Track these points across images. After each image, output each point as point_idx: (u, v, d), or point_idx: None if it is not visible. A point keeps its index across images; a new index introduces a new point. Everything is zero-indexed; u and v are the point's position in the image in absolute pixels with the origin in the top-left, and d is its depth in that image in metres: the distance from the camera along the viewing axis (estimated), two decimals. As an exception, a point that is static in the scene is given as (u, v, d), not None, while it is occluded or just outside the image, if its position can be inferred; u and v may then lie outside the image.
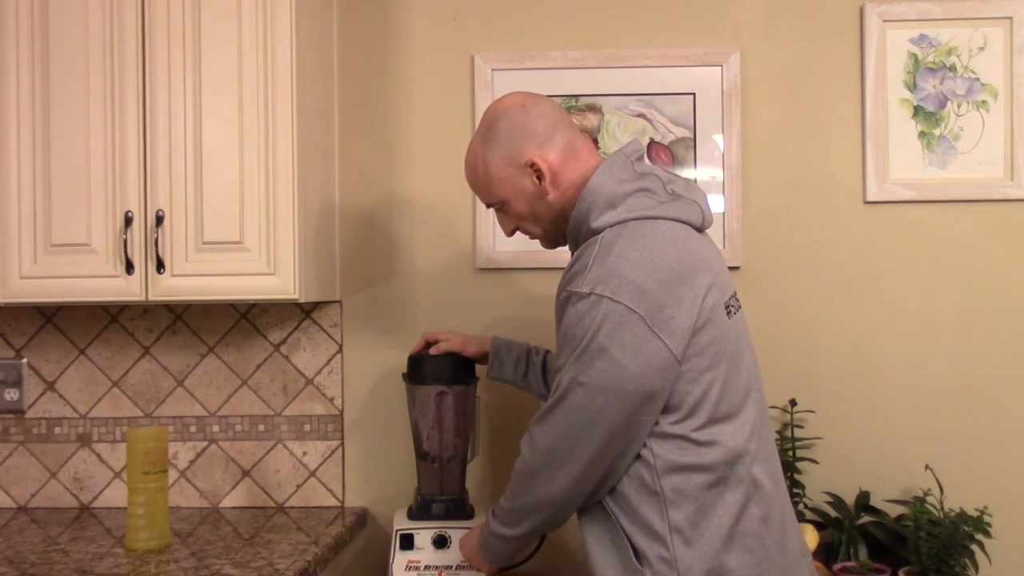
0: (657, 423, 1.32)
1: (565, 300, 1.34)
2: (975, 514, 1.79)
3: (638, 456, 1.33)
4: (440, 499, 1.82)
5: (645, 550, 1.31)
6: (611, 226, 1.35)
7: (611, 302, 1.28)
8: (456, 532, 1.75)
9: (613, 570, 1.34)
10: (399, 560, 1.74)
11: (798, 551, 1.40)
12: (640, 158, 1.46)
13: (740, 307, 1.44)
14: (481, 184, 1.51)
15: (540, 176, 1.43)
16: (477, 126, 1.52)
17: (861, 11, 2.02)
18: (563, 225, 1.46)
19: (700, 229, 1.42)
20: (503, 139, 1.45)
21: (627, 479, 1.33)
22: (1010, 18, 2.00)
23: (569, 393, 1.31)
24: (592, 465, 1.32)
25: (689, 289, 1.30)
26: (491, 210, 2.01)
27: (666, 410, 1.31)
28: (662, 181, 1.42)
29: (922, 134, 2.01)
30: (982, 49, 2.01)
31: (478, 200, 2.03)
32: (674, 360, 1.29)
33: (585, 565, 1.40)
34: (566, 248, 1.51)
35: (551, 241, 1.53)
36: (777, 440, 1.95)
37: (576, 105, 2.04)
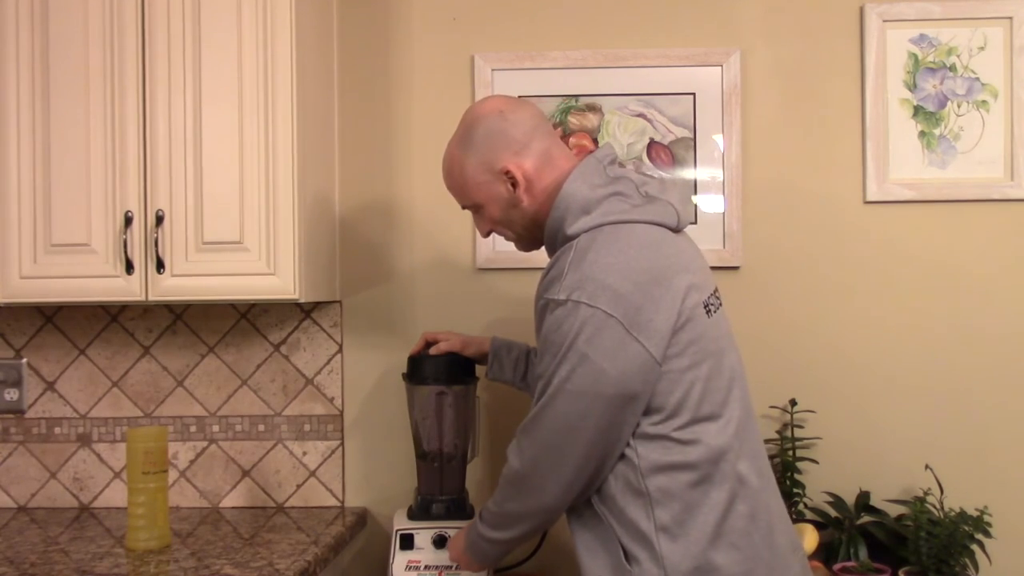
0: (639, 425, 1.32)
1: (543, 307, 1.35)
2: (975, 514, 1.78)
3: (623, 457, 1.33)
4: (440, 499, 1.82)
5: (633, 550, 1.31)
6: (586, 231, 1.35)
7: (588, 308, 1.28)
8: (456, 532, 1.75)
9: (602, 571, 1.34)
10: (399, 560, 1.74)
11: (788, 547, 1.40)
12: (612, 162, 1.46)
13: (721, 304, 1.44)
14: (457, 187, 1.52)
15: (515, 184, 1.45)
16: (456, 128, 1.52)
17: (861, 11, 2.02)
18: (536, 231, 1.48)
19: (676, 230, 1.43)
20: (480, 145, 1.46)
21: (613, 480, 1.34)
22: (1010, 18, 2.00)
23: (552, 400, 1.32)
24: (580, 470, 1.33)
25: (667, 291, 1.31)
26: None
27: (648, 412, 1.32)
28: (635, 184, 1.43)
29: (922, 134, 2.01)
30: (982, 49, 2.01)
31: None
32: (654, 362, 1.29)
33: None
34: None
35: (525, 244, 1.55)
36: (777, 440, 1.95)
37: (576, 105, 2.04)
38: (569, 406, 1.30)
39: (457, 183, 1.52)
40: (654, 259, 1.32)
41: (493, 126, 1.46)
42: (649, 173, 1.49)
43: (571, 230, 1.37)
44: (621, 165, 1.54)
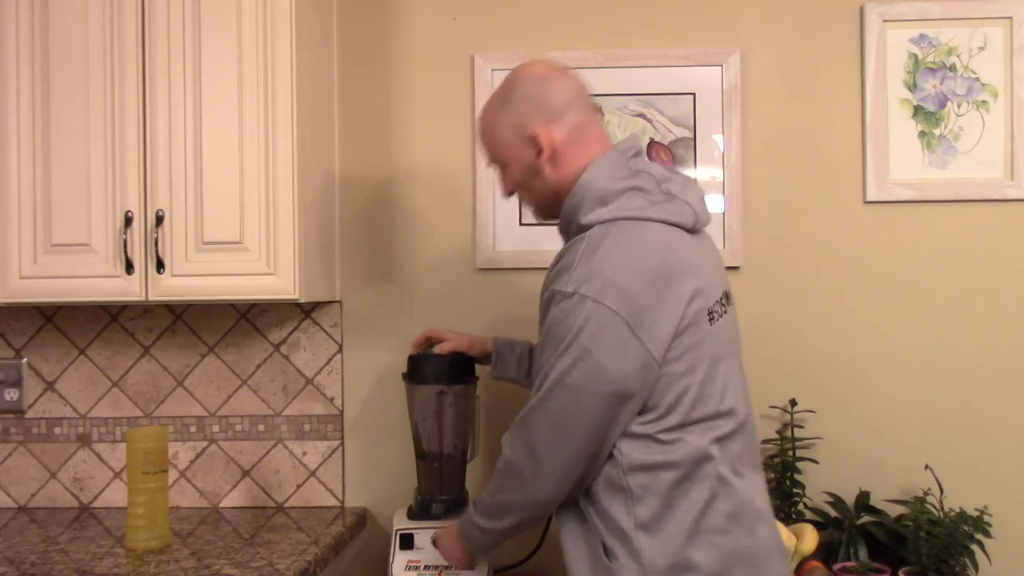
0: (628, 431, 1.32)
1: (549, 298, 1.35)
2: (975, 514, 1.79)
3: (609, 456, 1.34)
4: (440, 499, 1.82)
5: (612, 545, 1.32)
6: (600, 223, 1.35)
7: (594, 303, 1.28)
8: (456, 532, 1.76)
9: (584, 565, 1.35)
10: (399, 560, 1.74)
11: (774, 550, 1.39)
12: (636, 154, 1.46)
13: (727, 311, 1.43)
14: (487, 141, 1.53)
15: (540, 151, 1.44)
16: (501, 84, 1.52)
17: (861, 11, 2.02)
18: (556, 204, 1.46)
19: (693, 230, 1.42)
20: (515, 105, 1.46)
21: (598, 478, 1.35)
22: (1010, 18, 2.00)
23: (550, 394, 1.32)
24: (573, 466, 1.33)
25: (673, 294, 1.31)
26: (492, 209, 2.04)
27: (640, 411, 1.32)
28: (656, 180, 1.42)
29: (922, 134, 2.01)
30: (982, 49, 2.01)
31: (479, 200, 2.05)
32: (654, 363, 1.29)
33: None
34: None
35: (543, 214, 1.54)
36: (777, 440, 1.95)
37: (576, 105, 2.04)
38: (567, 400, 1.31)
39: (487, 138, 1.52)
40: (664, 261, 1.32)
41: (531, 90, 1.45)
42: (674, 169, 1.48)
43: (585, 220, 1.37)
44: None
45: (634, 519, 1.31)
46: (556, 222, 1.51)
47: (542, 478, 1.35)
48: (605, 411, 1.30)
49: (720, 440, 1.34)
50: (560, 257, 1.38)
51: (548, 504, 1.39)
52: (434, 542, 1.67)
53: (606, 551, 1.33)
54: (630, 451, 1.32)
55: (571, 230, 1.41)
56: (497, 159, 1.51)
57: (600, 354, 1.28)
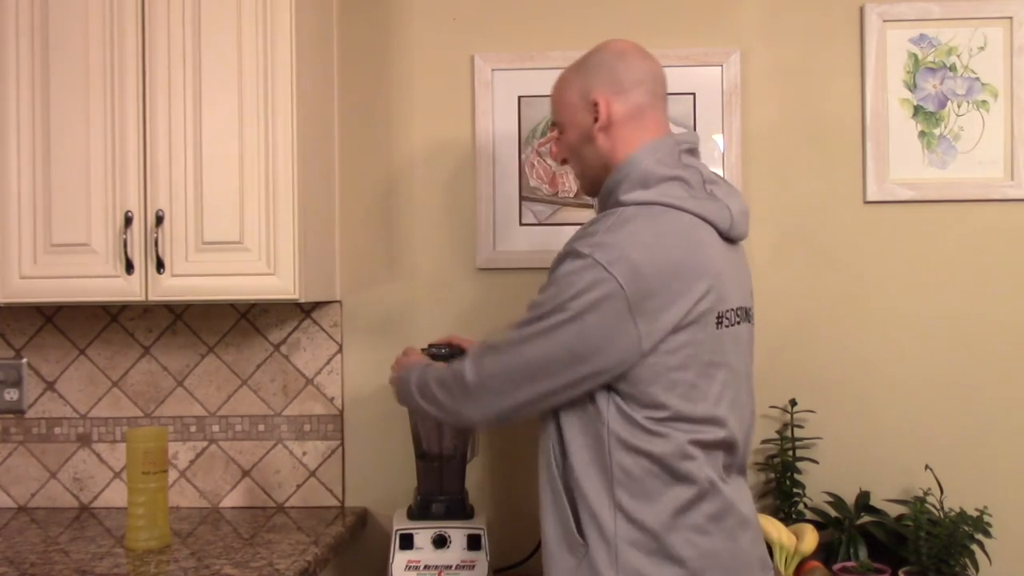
0: (619, 407, 1.33)
1: (564, 254, 1.36)
2: (975, 514, 1.79)
3: (595, 432, 1.34)
4: (440, 499, 1.82)
5: (587, 525, 1.33)
6: (637, 204, 1.36)
7: (604, 271, 1.29)
8: (456, 532, 1.76)
9: (557, 542, 1.36)
10: (399, 560, 1.74)
11: (755, 559, 1.39)
12: (690, 151, 1.46)
13: (740, 323, 1.43)
14: (556, 101, 1.54)
15: (596, 118, 1.45)
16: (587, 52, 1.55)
17: (861, 11, 2.02)
18: (602, 177, 1.47)
19: (727, 236, 1.42)
20: (588, 71, 1.49)
21: (581, 454, 1.35)
22: (1010, 18, 2.00)
23: (529, 338, 1.34)
24: (516, 409, 1.38)
25: (686, 288, 1.31)
26: (492, 210, 2.04)
27: (628, 398, 1.32)
28: (703, 178, 1.42)
29: (922, 134, 2.01)
30: (982, 49, 2.01)
31: (479, 200, 2.05)
32: (639, 351, 1.29)
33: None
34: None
35: (587, 186, 1.55)
36: (777, 440, 1.95)
37: (576, 105, 2.04)
38: (540, 351, 1.33)
39: (556, 96, 1.54)
40: (687, 253, 1.32)
41: (607, 60, 1.48)
42: (721, 176, 1.49)
43: (624, 197, 1.37)
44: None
45: (612, 501, 1.32)
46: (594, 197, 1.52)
47: (482, 406, 1.40)
48: (571, 375, 1.32)
49: (705, 445, 1.34)
50: (589, 224, 1.39)
51: (467, 425, 1.49)
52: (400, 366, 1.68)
53: (581, 530, 1.33)
54: (618, 429, 1.32)
55: (607, 204, 1.43)
56: (559, 120, 1.53)
57: (591, 321, 1.29)
